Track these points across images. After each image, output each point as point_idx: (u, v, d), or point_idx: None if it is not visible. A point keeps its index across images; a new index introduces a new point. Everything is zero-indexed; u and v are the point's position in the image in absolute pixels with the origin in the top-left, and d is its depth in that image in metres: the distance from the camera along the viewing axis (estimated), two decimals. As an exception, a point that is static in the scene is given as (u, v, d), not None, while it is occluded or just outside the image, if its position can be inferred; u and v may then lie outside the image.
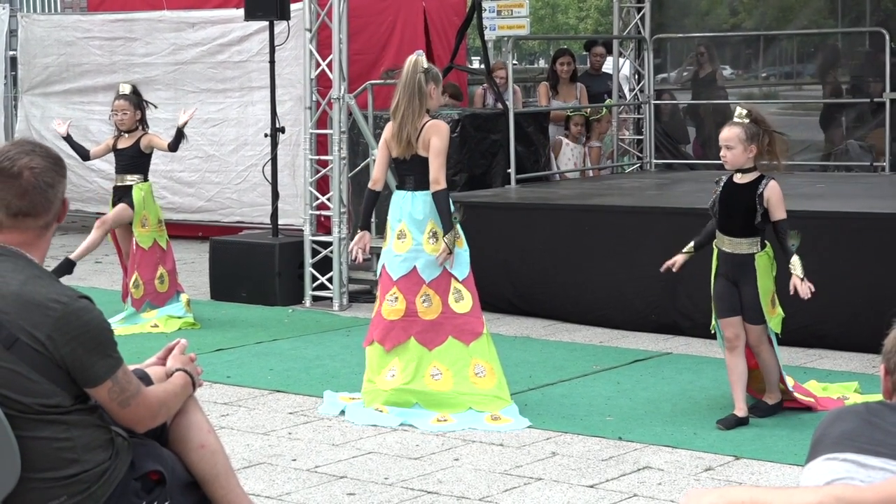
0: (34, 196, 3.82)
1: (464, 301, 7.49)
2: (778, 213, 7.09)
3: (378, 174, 7.73)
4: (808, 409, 7.35)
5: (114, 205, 10.07)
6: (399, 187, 7.66)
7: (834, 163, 14.02)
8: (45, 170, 3.83)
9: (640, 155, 13.91)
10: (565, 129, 13.16)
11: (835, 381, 8.00)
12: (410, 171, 7.51)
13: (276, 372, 8.50)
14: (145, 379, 4.11)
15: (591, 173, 13.41)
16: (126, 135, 10.05)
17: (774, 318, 7.21)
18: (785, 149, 7.16)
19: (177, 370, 4.18)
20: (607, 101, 13.67)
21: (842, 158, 14.04)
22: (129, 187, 10.01)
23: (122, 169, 10.10)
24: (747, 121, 7.01)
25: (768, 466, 6.43)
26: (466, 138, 11.56)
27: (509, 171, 11.57)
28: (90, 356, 3.74)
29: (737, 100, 15.22)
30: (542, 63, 56.40)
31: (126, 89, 10.09)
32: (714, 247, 7.32)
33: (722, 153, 7.14)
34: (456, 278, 7.48)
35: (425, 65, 7.52)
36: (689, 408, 7.52)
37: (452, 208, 7.46)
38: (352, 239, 8.10)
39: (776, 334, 7.27)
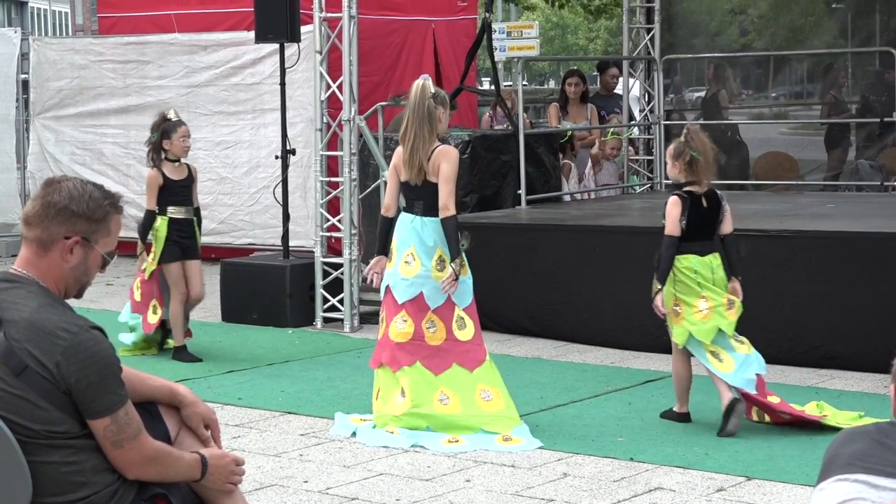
0: (37, 204, 3.85)
1: (466, 329, 7.53)
2: (665, 227, 7.55)
3: (390, 200, 7.76)
4: (808, 423, 7.41)
5: (171, 240, 9.37)
6: (406, 210, 7.67)
7: (844, 182, 14.02)
8: (64, 191, 3.84)
9: (650, 175, 13.93)
10: (571, 149, 13.17)
11: (846, 401, 8.00)
12: (420, 197, 7.54)
13: (288, 393, 8.51)
14: (159, 426, 4.05)
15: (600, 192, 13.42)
16: (175, 164, 9.49)
17: (675, 327, 7.56)
18: (706, 168, 7.55)
19: (199, 453, 4.02)
20: (611, 130, 13.66)
21: (852, 178, 14.05)
22: (191, 221, 9.53)
23: (183, 200, 9.49)
24: (682, 139, 7.57)
25: (780, 487, 6.43)
26: (477, 159, 11.58)
27: (520, 192, 11.58)
28: (93, 389, 3.73)
29: (746, 120, 15.27)
30: (552, 84, 56.53)
31: (178, 115, 9.61)
32: None
33: None
34: (458, 306, 7.51)
35: (433, 89, 7.55)
36: (700, 428, 7.51)
37: (460, 235, 7.48)
38: (365, 262, 8.15)
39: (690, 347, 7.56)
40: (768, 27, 16.05)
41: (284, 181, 11.32)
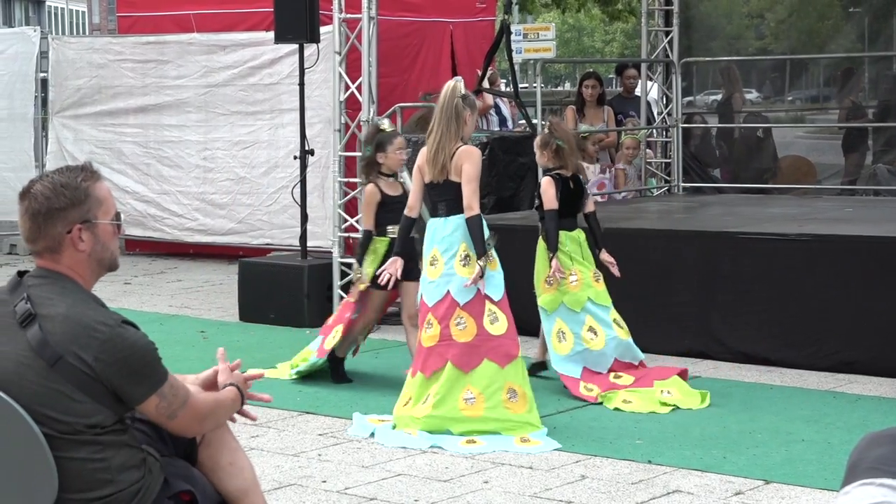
0: (25, 220, 3.88)
1: (499, 323, 7.54)
2: (544, 204, 8.51)
3: (413, 201, 7.81)
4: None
5: (386, 260, 8.27)
6: (432, 215, 7.72)
7: (862, 187, 14.00)
8: (39, 196, 3.85)
9: (667, 178, 13.91)
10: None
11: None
12: (443, 197, 7.59)
13: (306, 394, 8.53)
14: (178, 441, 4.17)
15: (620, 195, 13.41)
16: (390, 179, 8.74)
17: (546, 295, 8.50)
18: (571, 154, 8.59)
19: (229, 384, 4.21)
20: (630, 127, 13.66)
21: (870, 182, 14.03)
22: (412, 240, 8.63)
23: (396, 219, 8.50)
24: (547, 131, 8.75)
25: (798, 491, 6.43)
26: (495, 161, 11.58)
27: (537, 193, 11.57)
28: (136, 377, 3.79)
29: (764, 123, 15.25)
30: (567, 86, 56.54)
31: (392, 125, 8.92)
32: None
33: None
34: (491, 300, 7.54)
35: (463, 91, 7.61)
36: (718, 431, 7.52)
37: (487, 234, 7.53)
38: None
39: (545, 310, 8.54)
40: (785, 31, 16.03)
41: (303, 181, 11.34)
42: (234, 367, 4.31)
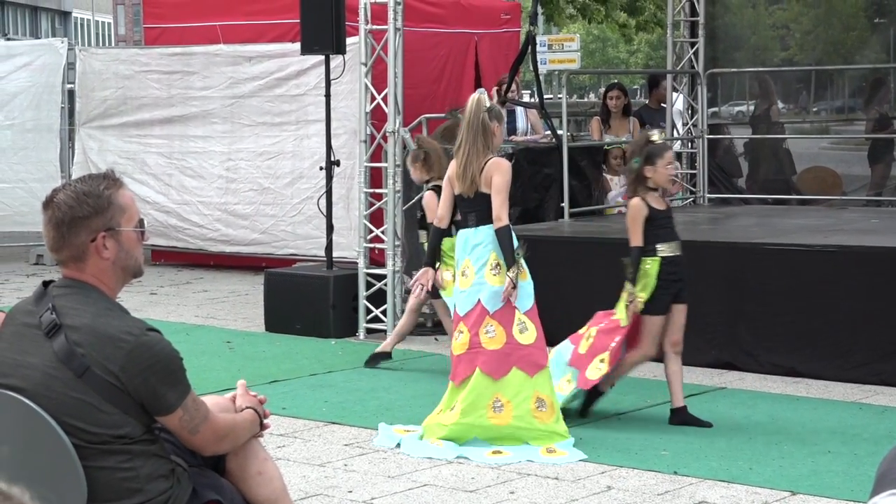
0: (49, 229, 3.90)
1: (528, 332, 7.54)
2: (427, 217, 9.14)
3: (443, 211, 7.85)
4: None
5: (662, 286, 7.91)
6: (462, 226, 7.74)
7: (888, 198, 13.97)
8: (62, 206, 3.87)
9: (692, 189, 13.90)
10: (604, 162, 13.13)
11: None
12: (473, 209, 7.62)
13: (331, 404, 8.55)
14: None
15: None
16: (657, 193, 8.05)
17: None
18: (439, 163, 9.12)
19: (247, 408, 4.23)
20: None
21: (895, 193, 14.00)
22: (682, 258, 8.08)
23: (671, 235, 8.08)
24: (415, 147, 9.52)
25: (825, 502, 6.41)
26: (520, 172, 11.58)
27: (563, 204, 11.59)
28: (162, 386, 3.81)
29: (791, 134, 15.23)
30: (592, 97, 56.52)
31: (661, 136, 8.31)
32: None
33: None
34: (518, 310, 7.55)
35: (488, 103, 7.63)
36: (743, 443, 7.50)
37: (516, 244, 7.54)
38: (407, 273, 8.25)
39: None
40: (811, 42, 16.00)
41: (329, 192, 11.36)
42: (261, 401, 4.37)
